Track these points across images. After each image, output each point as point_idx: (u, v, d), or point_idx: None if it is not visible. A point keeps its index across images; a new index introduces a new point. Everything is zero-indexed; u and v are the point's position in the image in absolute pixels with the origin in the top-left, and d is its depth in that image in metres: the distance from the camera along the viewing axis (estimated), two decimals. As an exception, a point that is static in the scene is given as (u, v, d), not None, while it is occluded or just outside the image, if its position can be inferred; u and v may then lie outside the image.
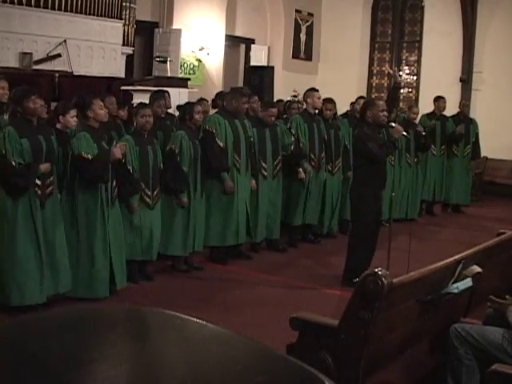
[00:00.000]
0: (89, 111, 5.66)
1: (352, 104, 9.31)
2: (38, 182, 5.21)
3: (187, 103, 7.32)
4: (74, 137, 5.61)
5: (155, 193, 6.26)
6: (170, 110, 7.98)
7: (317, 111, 8.08)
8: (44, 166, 5.17)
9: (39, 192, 5.21)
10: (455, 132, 10.03)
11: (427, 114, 10.28)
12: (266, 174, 7.42)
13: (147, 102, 7.23)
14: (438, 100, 10.30)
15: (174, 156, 6.42)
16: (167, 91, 7.97)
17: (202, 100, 8.11)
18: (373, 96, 14.63)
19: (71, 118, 5.75)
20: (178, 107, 8.00)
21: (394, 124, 6.48)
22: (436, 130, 10.15)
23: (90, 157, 5.45)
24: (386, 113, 6.42)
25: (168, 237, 6.54)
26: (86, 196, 5.57)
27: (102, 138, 5.75)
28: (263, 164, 7.40)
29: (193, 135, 6.65)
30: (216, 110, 8.26)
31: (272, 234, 7.71)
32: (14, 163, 5.04)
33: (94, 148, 5.53)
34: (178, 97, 8.82)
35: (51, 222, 5.31)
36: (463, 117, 10.56)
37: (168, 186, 6.41)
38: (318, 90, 8.03)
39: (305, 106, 8.24)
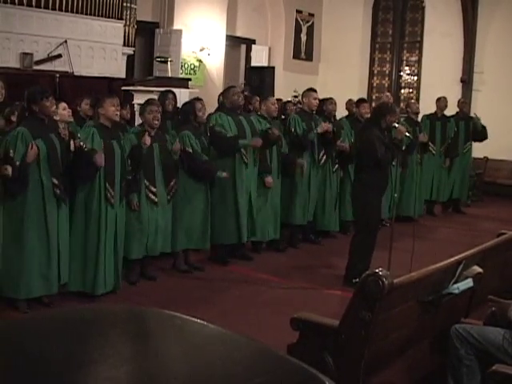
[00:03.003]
0: (100, 109, 5.70)
1: (347, 107, 9.36)
2: (56, 181, 5.22)
3: (186, 104, 7.34)
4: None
5: (166, 189, 6.27)
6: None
7: (314, 110, 8.06)
8: (30, 155, 5.05)
9: (58, 191, 5.24)
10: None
11: (428, 115, 10.28)
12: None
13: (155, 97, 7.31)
14: (439, 100, 10.36)
15: (191, 155, 6.48)
16: (173, 91, 7.97)
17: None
18: (373, 97, 14.66)
19: (63, 111, 5.75)
20: (179, 110, 7.99)
21: (396, 125, 6.47)
22: (436, 130, 10.15)
23: (83, 144, 5.43)
24: (395, 117, 6.50)
25: (188, 231, 6.62)
26: (85, 193, 5.61)
27: (112, 136, 5.73)
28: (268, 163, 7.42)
29: (198, 133, 6.70)
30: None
31: (274, 233, 7.74)
32: (17, 163, 5.02)
33: (100, 144, 5.55)
34: (178, 97, 8.81)
35: (61, 221, 5.38)
36: (462, 115, 10.58)
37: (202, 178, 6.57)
38: (315, 91, 8.02)
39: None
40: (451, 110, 10.63)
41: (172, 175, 6.33)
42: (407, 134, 6.47)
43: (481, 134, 10.44)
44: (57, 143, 5.30)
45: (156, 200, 6.19)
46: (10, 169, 4.96)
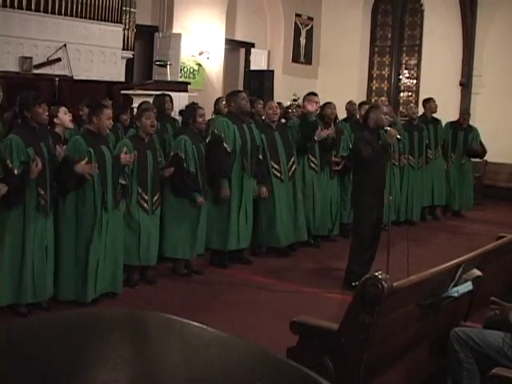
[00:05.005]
0: (95, 117, 5.67)
1: (347, 108, 9.36)
2: (42, 191, 5.19)
3: (189, 107, 7.31)
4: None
5: (155, 198, 6.26)
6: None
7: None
8: (34, 172, 5.04)
9: (42, 202, 5.20)
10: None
11: (418, 117, 10.19)
12: (280, 175, 7.42)
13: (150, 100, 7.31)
14: (428, 102, 10.20)
15: (181, 161, 6.42)
16: (169, 95, 7.98)
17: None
18: (372, 100, 14.66)
19: (64, 116, 5.76)
20: (181, 112, 7.99)
21: (388, 128, 6.45)
22: (429, 133, 10.08)
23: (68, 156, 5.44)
24: (387, 116, 6.45)
25: (176, 239, 6.57)
26: (78, 199, 5.58)
27: (100, 142, 5.71)
28: (275, 166, 7.39)
29: (196, 139, 6.64)
30: (218, 114, 8.27)
31: (300, 236, 7.72)
32: (16, 172, 5.01)
33: (83, 152, 5.51)
34: (178, 101, 8.83)
35: (46, 228, 5.33)
36: (462, 126, 10.51)
37: (178, 190, 6.45)
38: (316, 95, 8.03)
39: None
40: (450, 113, 10.64)
41: (157, 188, 6.29)
42: (398, 136, 6.46)
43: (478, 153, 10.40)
44: (45, 152, 5.25)
45: (147, 208, 6.17)
46: (4, 188, 4.93)
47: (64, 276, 5.55)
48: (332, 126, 8.12)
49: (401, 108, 14.28)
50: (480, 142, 10.47)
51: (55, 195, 5.42)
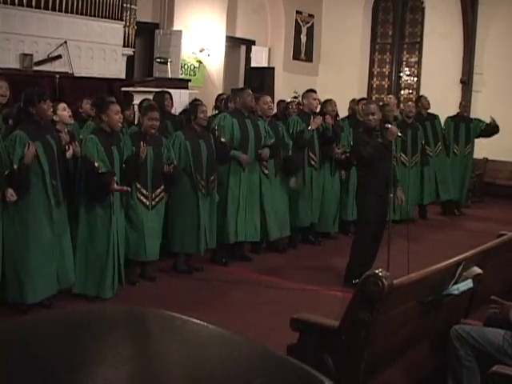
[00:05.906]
0: (104, 115, 5.67)
1: (350, 106, 9.32)
2: (54, 182, 5.25)
3: (192, 104, 7.32)
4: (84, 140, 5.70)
5: (156, 193, 6.26)
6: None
7: (317, 110, 8.04)
8: (28, 156, 5.04)
9: (54, 191, 5.27)
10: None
11: (414, 116, 10.11)
12: (267, 172, 7.41)
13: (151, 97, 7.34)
14: (420, 99, 10.25)
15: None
16: (169, 92, 7.99)
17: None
18: (373, 98, 14.64)
19: (63, 112, 5.76)
20: (181, 113, 7.99)
21: (389, 125, 6.43)
22: (427, 130, 10.06)
23: (96, 163, 5.48)
24: (375, 116, 6.37)
25: (180, 234, 6.61)
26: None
27: (111, 142, 5.72)
28: (264, 162, 7.36)
29: (195, 135, 6.65)
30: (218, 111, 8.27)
31: (283, 232, 7.70)
32: (15, 166, 5.03)
33: (101, 152, 5.56)
34: (178, 98, 8.82)
35: (61, 221, 5.42)
36: (462, 117, 10.56)
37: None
38: (315, 92, 8.02)
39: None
40: (451, 111, 10.62)
41: (160, 182, 6.28)
42: (399, 134, 6.44)
43: (493, 128, 10.36)
44: (53, 144, 5.32)
45: (147, 203, 6.18)
46: (13, 197, 4.97)
47: (77, 272, 5.63)
48: (329, 117, 8.03)
49: (401, 106, 14.25)
50: (487, 124, 10.42)
51: (66, 188, 5.48)
